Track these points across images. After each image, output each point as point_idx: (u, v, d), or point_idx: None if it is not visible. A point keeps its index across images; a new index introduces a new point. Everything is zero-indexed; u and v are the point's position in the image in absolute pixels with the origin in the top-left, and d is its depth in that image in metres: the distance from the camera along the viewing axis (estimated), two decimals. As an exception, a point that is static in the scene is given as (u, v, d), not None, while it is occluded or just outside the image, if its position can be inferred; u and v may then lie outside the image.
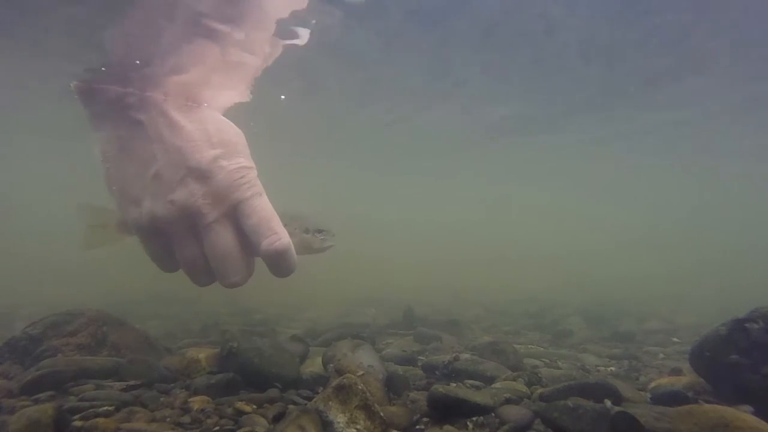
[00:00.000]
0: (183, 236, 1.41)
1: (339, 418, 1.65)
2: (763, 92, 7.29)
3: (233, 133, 1.47)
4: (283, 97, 6.50)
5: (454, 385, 2.49)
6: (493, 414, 1.95)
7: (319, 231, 1.83)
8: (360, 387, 1.73)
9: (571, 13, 4.55)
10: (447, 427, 1.86)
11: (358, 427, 1.63)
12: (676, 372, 2.99)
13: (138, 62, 1.47)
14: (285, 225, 1.75)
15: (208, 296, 7.38)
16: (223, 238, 1.38)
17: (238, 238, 1.41)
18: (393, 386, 2.29)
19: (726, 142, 11.87)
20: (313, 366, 2.55)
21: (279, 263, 1.41)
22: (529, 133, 11.55)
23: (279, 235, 1.40)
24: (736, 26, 4.86)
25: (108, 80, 1.48)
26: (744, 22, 4.79)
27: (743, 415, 1.66)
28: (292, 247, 1.43)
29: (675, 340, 5.01)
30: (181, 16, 1.51)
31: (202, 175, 1.36)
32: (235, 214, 1.41)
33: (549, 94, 7.62)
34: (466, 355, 2.95)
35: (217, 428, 1.72)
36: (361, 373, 2.16)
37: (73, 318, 2.60)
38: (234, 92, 1.76)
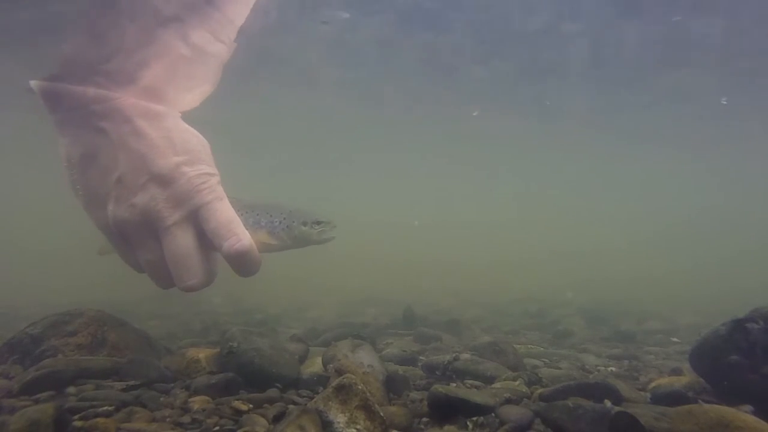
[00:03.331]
0: (144, 239, 1.44)
1: (339, 418, 1.65)
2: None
3: (197, 142, 1.49)
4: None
5: (454, 385, 2.49)
6: (493, 414, 1.95)
7: (318, 223, 1.85)
8: (360, 387, 1.73)
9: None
10: (447, 427, 1.86)
11: (358, 427, 1.63)
12: (676, 372, 2.99)
13: (101, 58, 1.45)
14: (283, 219, 1.77)
15: (208, 297, 7.38)
16: (182, 241, 1.41)
17: (198, 243, 1.44)
18: (393, 386, 2.28)
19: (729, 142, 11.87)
20: (313, 366, 2.55)
21: (241, 264, 1.44)
22: (530, 132, 11.55)
23: (239, 237, 1.42)
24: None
25: (71, 79, 1.45)
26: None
27: (743, 415, 1.66)
28: (254, 248, 1.46)
29: (675, 340, 5.01)
30: (147, 15, 1.48)
31: (163, 180, 1.39)
32: (196, 219, 1.43)
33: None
34: (466, 355, 2.95)
35: (217, 428, 1.72)
36: (364, 371, 2.16)
37: (73, 318, 2.60)
38: (198, 92, 1.67)
